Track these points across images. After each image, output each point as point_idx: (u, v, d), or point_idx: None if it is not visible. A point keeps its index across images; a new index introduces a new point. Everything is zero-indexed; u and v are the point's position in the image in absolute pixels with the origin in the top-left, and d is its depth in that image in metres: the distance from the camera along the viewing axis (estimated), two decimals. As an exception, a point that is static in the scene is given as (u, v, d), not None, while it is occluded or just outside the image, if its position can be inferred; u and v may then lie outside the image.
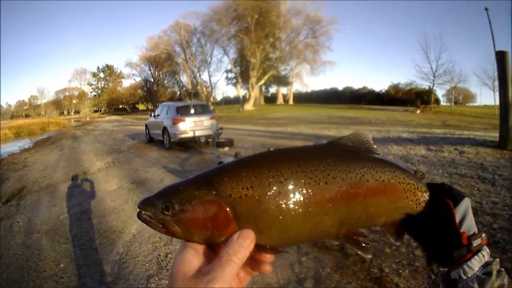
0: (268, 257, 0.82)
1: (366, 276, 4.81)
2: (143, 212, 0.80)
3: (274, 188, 0.76)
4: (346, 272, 4.96)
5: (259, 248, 0.78)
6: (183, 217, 0.77)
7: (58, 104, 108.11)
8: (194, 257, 0.76)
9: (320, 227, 0.80)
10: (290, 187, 0.76)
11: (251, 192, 0.76)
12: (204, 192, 0.77)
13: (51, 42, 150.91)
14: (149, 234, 6.73)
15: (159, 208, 0.78)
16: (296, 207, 0.77)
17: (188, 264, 0.74)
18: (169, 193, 0.80)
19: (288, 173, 0.77)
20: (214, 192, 0.76)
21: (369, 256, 0.83)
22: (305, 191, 0.77)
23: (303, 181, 0.77)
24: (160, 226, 0.79)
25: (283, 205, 0.76)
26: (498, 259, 0.88)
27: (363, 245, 0.83)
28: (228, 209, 0.76)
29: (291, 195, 0.76)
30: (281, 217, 0.76)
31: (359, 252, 0.82)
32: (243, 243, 0.74)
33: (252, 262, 0.82)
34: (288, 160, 0.81)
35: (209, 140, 16.00)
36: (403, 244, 5.45)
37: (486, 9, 21.67)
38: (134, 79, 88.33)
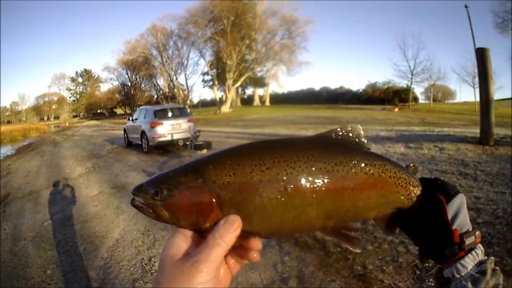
0: (256, 245, 0.84)
1: (350, 274, 4.85)
2: (135, 199, 0.84)
3: (256, 176, 0.78)
4: (330, 270, 4.99)
5: (245, 233, 0.80)
6: (171, 201, 0.80)
7: (38, 110, 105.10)
8: (182, 241, 0.78)
9: (304, 218, 0.81)
10: (272, 176, 0.78)
11: (233, 179, 0.79)
12: (190, 179, 0.80)
13: (30, 47, 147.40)
14: (131, 239, 6.81)
15: (149, 193, 0.81)
16: (277, 196, 0.78)
17: (177, 247, 0.77)
18: (159, 179, 0.83)
19: (270, 162, 0.79)
20: (200, 179, 0.79)
21: (358, 251, 0.85)
22: (286, 181, 0.79)
23: (285, 171, 0.79)
24: (151, 211, 0.82)
25: (264, 193, 0.78)
26: (492, 258, 0.87)
27: (352, 239, 0.85)
28: (212, 194, 0.79)
29: (272, 184, 0.78)
30: (262, 205, 0.78)
31: (348, 246, 0.85)
32: (230, 228, 0.76)
33: (241, 250, 0.84)
34: (272, 150, 0.83)
35: (187, 143, 15.97)
36: (386, 240, 5.53)
37: (466, 6, 21.99)
38: (112, 83, 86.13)
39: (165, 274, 0.73)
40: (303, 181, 0.79)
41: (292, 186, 0.79)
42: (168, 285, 0.71)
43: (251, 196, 0.78)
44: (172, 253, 0.75)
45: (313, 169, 0.80)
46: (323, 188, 0.80)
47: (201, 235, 0.81)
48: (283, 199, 0.78)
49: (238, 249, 0.84)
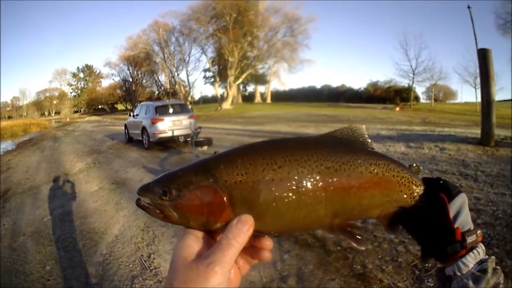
0: (268, 244, 0.84)
1: (349, 273, 4.87)
2: (141, 199, 0.83)
3: (268, 175, 0.78)
4: (329, 268, 5.01)
5: (257, 233, 0.79)
6: (180, 202, 0.79)
7: (39, 105, 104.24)
8: (194, 242, 0.77)
9: (313, 216, 0.82)
10: (283, 175, 0.79)
11: (245, 178, 0.78)
12: (201, 178, 0.79)
13: (32, 42, 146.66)
14: (131, 235, 6.83)
15: (157, 193, 0.80)
16: (289, 195, 0.78)
17: (189, 249, 0.75)
18: (167, 179, 0.82)
19: (281, 161, 0.79)
20: (211, 179, 0.79)
21: (363, 248, 0.85)
22: (298, 180, 0.79)
23: (296, 169, 0.79)
24: (158, 211, 0.81)
25: (276, 192, 0.78)
26: (493, 257, 0.88)
27: (358, 236, 0.86)
28: (223, 194, 0.78)
29: (284, 183, 0.78)
30: (274, 204, 0.78)
31: (354, 244, 0.86)
32: (243, 228, 0.76)
33: (252, 250, 0.84)
34: (282, 149, 0.83)
35: (188, 139, 16.27)
36: (386, 240, 5.56)
37: (468, 7, 22.05)
38: (113, 79, 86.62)
39: (178, 276, 0.71)
40: (313, 179, 0.80)
41: (303, 185, 0.79)
42: (182, 286, 0.70)
43: (264, 195, 0.78)
44: (184, 255, 0.74)
45: (322, 168, 0.81)
46: (332, 187, 0.81)
47: (212, 236, 0.81)
48: (294, 197, 0.78)
49: (249, 249, 0.83)
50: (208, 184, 0.78)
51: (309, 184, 0.79)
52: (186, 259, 0.73)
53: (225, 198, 0.78)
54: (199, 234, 0.79)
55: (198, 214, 0.78)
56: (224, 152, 0.86)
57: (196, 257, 0.73)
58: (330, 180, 0.81)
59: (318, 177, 0.80)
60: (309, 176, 0.80)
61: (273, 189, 0.78)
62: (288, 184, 0.78)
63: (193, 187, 0.78)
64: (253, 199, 0.78)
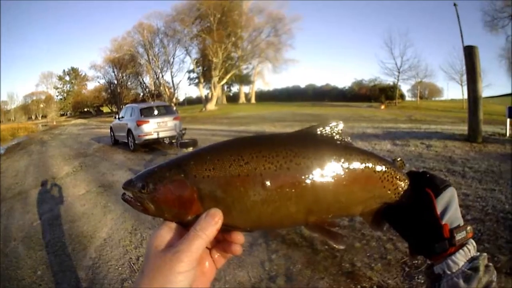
0: (239, 238, 0.85)
1: (338, 271, 4.84)
2: (126, 193, 0.88)
3: (234, 170, 0.79)
4: (318, 267, 4.99)
5: (226, 227, 0.81)
6: (155, 195, 0.82)
7: (26, 109, 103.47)
8: (167, 233, 0.80)
9: (283, 212, 0.82)
10: (250, 170, 0.79)
11: (212, 173, 0.80)
12: (173, 173, 0.82)
13: (18, 46, 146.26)
14: (119, 238, 6.89)
15: (137, 187, 0.84)
16: (256, 190, 0.79)
17: (161, 239, 0.78)
18: (146, 174, 0.85)
19: (248, 157, 0.80)
20: (182, 174, 0.81)
21: (341, 247, 0.83)
22: (265, 176, 0.79)
23: (263, 165, 0.80)
24: (138, 204, 0.85)
25: (242, 187, 0.79)
26: (485, 254, 0.85)
27: (335, 235, 0.84)
28: (193, 188, 0.80)
29: (250, 178, 0.79)
30: (240, 199, 0.79)
31: (331, 242, 0.84)
32: (211, 221, 0.78)
33: (225, 243, 0.87)
34: (251, 146, 0.83)
35: (173, 141, 16.29)
36: (374, 238, 5.58)
37: (454, 4, 22.27)
38: (99, 82, 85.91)
39: (148, 264, 0.76)
40: (281, 175, 0.80)
41: (269, 181, 0.80)
42: (151, 273, 0.74)
43: (230, 190, 0.80)
44: (156, 244, 0.78)
45: (292, 164, 0.81)
46: (302, 183, 0.81)
47: (186, 228, 0.82)
48: (260, 193, 0.80)
49: (222, 242, 0.87)
50: (179, 179, 0.82)
51: (276, 180, 0.80)
52: (157, 248, 0.77)
53: (194, 192, 0.81)
54: (173, 225, 0.82)
55: (171, 206, 0.82)
56: (197, 149, 0.89)
57: (166, 247, 0.77)
58: (300, 177, 0.81)
59: (286, 174, 0.80)
60: (276, 172, 0.80)
61: (238, 184, 0.79)
62: (254, 179, 0.79)
63: (166, 181, 0.82)
64: (220, 194, 0.80)
